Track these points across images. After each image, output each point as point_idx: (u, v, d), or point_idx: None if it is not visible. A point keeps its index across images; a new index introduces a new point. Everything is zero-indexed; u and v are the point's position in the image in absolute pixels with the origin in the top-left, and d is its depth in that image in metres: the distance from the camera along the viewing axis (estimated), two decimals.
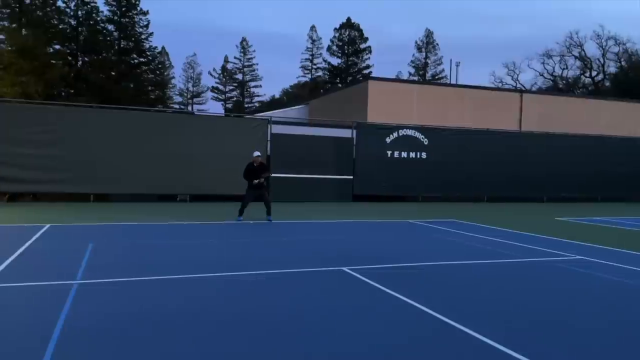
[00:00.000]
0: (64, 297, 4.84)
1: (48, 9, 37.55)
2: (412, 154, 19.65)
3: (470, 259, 7.59)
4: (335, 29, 62.46)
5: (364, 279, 5.95)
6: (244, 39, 67.68)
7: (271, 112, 32.08)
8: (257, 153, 12.05)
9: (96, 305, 4.66)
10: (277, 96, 72.77)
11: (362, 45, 62.25)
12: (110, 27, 42.31)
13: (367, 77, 43.54)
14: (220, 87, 69.71)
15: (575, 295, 5.59)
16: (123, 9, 42.49)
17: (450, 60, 65.28)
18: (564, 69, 59.68)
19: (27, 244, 7.71)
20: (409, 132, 19.79)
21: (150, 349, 3.62)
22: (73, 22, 40.26)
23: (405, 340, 3.96)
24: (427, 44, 63.66)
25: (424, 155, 19.78)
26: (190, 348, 3.64)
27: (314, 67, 66.01)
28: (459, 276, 6.36)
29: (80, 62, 40.81)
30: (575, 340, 4.06)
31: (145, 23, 43.49)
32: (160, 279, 5.78)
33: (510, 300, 5.24)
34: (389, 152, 19.34)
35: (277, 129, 18.31)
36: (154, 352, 3.56)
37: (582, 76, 59.44)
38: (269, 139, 17.74)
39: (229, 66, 69.01)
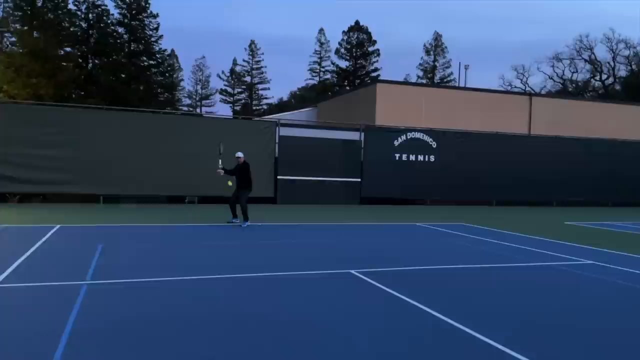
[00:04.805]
0: (74, 297, 4.88)
1: (59, 12, 37.95)
2: (420, 157, 19.60)
3: (478, 262, 7.55)
4: (343, 31, 62.48)
5: (371, 281, 5.94)
6: (252, 42, 67.86)
7: (279, 114, 32.15)
8: (239, 154, 11.74)
9: (106, 306, 4.69)
10: (285, 99, 72.93)
11: (371, 48, 62.21)
12: (121, 29, 42.63)
13: (375, 79, 43.51)
14: (229, 89, 69.90)
15: (583, 300, 5.54)
16: (133, 12, 42.79)
17: (459, 63, 65.02)
18: (573, 72, 59.31)
19: (37, 245, 7.77)
20: (417, 135, 19.75)
21: (160, 349, 3.63)
22: (84, 25, 40.63)
23: (412, 343, 3.94)
24: (436, 47, 63.47)
25: (432, 158, 19.73)
26: (200, 349, 3.65)
27: (322, 69, 66.03)
28: (467, 280, 6.33)
29: (90, 65, 41.16)
30: (581, 344, 4.02)
31: (155, 26, 43.78)
32: (168, 280, 5.81)
33: (518, 304, 5.20)
34: (397, 155, 19.30)
35: (285, 131, 18.35)
36: (163, 352, 3.58)
37: (592, 79, 59.04)
38: (276, 141, 17.78)
39: (238, 69, 69.21)
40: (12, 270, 6.01)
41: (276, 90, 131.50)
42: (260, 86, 69.34)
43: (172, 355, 3.53)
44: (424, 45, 64.54)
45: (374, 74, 61.06)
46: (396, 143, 19.35)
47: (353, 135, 19.44)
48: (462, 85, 42.59)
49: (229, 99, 69.94)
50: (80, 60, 40.00)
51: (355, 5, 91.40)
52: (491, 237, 10.50)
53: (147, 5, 43.19)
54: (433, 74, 63.44)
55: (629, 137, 24.27)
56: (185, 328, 4.09)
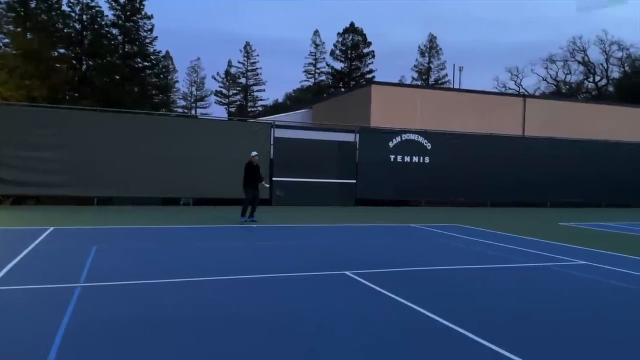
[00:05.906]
0: (68, 299, 4.86)
1: (53, 13, 37.76)
2: (415, 159, 19.65)
3: (473, 263, 7.58)
4: (338, 33, 62.67)
5: (366, 283, 5.95)
6: (247, 44, 67.96)
7: (274, 116, 32.14)
8: (254, 153, 12.39)
9: (99, 307, 4.68)
10: (280, 100, 73.03)
11: (366, 50, 62.37)
12: (115, 31, 42.47)
13: (370, 81, 43.57)
14: (224, 91, 69.96)
15: (576, 300, 5.57)
16: (127, 13, 42.66)
17: (453, 65, 65.51)
18: (567, 74, 59.64)
19: (30, 247, 7.74)
20: (412, 136, 19.80)
21: (154, 351, 3.63)
22: (78, 26, 40.45)
23: (407, 344, 3.96)
24: (430, 48, 63.76)
25: (427, 159, 19.78)
26: (195, 350, 3.65)
27: (317, 71, 66.18)
28: (461, 281, 6.35)
29: (84, 66, 40.98)
30: (573, 344, 4.05)
31: (149, 27, 43.66)
32: (163, 282, 5.80)
33: (512, 305, 5.23)
34: (392, 157, 19.34)
35: (280, 132, 18.34)
36: (157, 354, 3.57)
37: (585, 81, 59.38)
38: (271, 142, 17.77)
39: (233, 70, 69.30)
40: (6, 272, 5.99)
41: (271, 91, 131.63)
42: (255, 88, 69.48)
43: (167, 357, 3.53)
44: (419, 47, 64.92)
45: (368, 76, 61.22)
46: (391, 144, 19.38)
47: (348, 137, 19.46)
48: (456, 86, 42.74)
49: (224, 101, 69.99)
50: (74, 62, 39.81)
51: (350, 7, 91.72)
52: (486, 238, 10.54)
53: (142, 7, 43.07)
54: (428, 75, 63.70)
55: (622, 139, 24.41)
56: (180, 329, 4.09)
